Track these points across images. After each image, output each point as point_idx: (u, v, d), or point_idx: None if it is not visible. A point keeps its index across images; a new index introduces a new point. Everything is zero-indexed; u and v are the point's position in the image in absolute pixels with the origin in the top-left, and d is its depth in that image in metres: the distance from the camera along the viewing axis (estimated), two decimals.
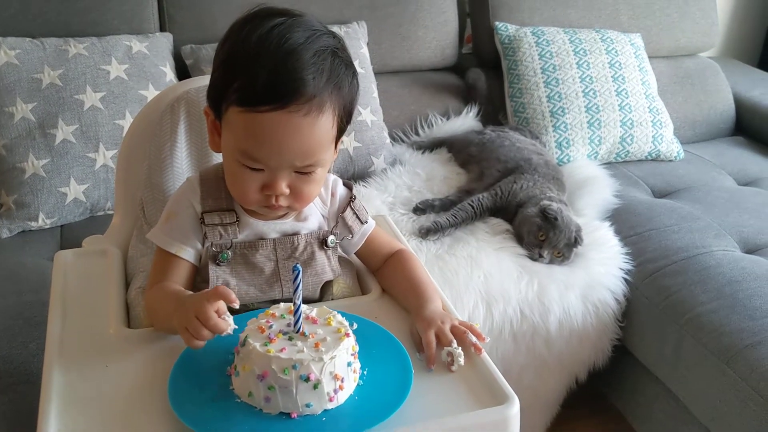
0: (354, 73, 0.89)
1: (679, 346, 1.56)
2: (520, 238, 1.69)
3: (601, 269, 1.67)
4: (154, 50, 1.87)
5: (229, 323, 0.80)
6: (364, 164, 1.94)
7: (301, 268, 0.78)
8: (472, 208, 1.72)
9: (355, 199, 1.01)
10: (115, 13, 1.91)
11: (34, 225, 1.66)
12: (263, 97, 0.81)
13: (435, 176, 1.92)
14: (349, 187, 1.02)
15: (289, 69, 0.82)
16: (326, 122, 0.85)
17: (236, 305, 0.81)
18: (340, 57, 0.87)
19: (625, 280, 1.70)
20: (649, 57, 2.31)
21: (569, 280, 1.63)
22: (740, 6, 2.93)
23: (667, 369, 1.60)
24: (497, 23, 2.23)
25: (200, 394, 0.78)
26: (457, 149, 2.01)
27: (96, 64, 1.76)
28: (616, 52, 2.20)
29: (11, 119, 1.67)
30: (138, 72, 1.81)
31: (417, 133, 2.16)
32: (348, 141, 1.91)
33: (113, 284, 1.00)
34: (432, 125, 2.17)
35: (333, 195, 1.00)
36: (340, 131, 0.90)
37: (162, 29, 2.00)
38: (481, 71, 2.28)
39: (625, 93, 2.15)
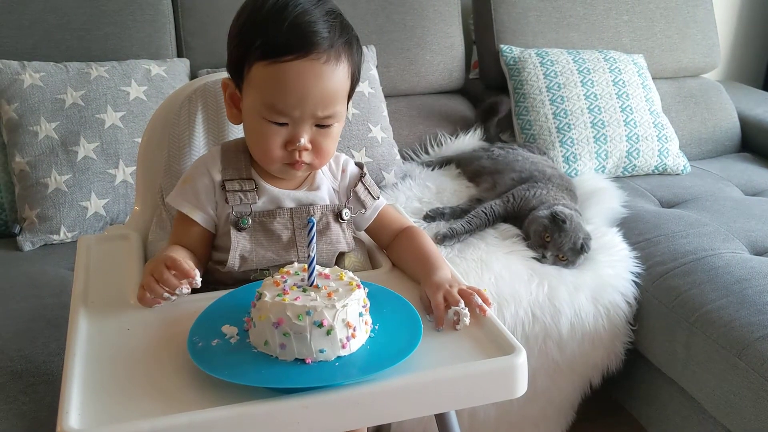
0: (358, 38, 0.96)
1: (690, 343, 1.57)
2: (527, 238, 1.72)
3: (610, 271, 1.68)
4: (172, 73, 1.94)
5: (182, 285, 0.89)
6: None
7: (315, 221, 0.82)
8: (485, 214, 1.75)
9: (365, 175, 1.06)
10: (134, 40, 1.99)
11: (56, 238, 1.71)
12: (286, 48, 0.88)
13: (445, 189, 1.95)
14: (360, 166, 1.07)
15: (306, 23, 0.89)
16: (342, 72, 0.92)
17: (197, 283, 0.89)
18: (346, 21, 0.94)
19: (635, 283, 1.71)
20: (653, 78, 2.35)
21: (578, 281, 1.65)
22: (741, 29, 2.99)
23: (679, 368, 1.61)
24: (502, 46, 2.29)
25: (218, 347, 0.81)
26: (466, 164, 2.05)
27: (116, 86, 1.83)
28: (619, 70, 2.25)
29: (35, 137, 1.73)
30: (156, 93, 1.88)
31: (427, 152, 2.21)
32: (359, 156, 1.96)
33: (134, 262, 1.04)
34: (441, 144, 2.22)
35: (344, 171, 1.05)
36: (350, 92, 0.95)
37: (179, 55, 2.08)
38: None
39: (630, 109, 2.20)
